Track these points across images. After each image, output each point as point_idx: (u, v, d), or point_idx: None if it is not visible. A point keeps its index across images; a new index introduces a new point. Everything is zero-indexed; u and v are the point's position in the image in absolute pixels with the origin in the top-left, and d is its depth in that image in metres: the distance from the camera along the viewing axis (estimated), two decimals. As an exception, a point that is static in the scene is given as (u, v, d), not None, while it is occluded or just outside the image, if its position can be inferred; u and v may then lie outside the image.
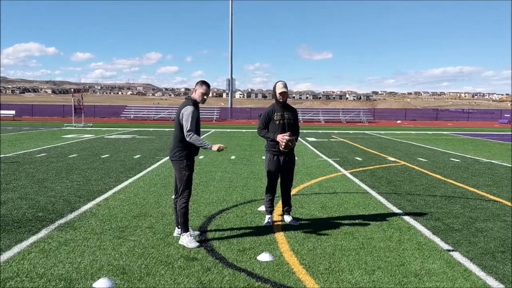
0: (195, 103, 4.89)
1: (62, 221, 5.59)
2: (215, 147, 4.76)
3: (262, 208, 6.23)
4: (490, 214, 6.31)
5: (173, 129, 5.00)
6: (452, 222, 5.87)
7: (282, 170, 5.62)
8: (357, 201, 7.09)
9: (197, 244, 4.70)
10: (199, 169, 10.11)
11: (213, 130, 26.20)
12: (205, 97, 4.93)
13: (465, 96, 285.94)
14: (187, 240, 4.72)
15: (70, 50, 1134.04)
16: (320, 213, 6.25)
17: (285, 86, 5.51)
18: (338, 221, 5.85)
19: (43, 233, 5.06)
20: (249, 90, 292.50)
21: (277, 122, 5.48)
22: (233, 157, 12.66)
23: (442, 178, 9.49)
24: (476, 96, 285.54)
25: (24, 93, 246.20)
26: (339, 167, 10.94)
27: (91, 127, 28.61)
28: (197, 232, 5.13)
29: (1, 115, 38.95)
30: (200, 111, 5.01)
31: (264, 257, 4.36)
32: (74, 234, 5.05)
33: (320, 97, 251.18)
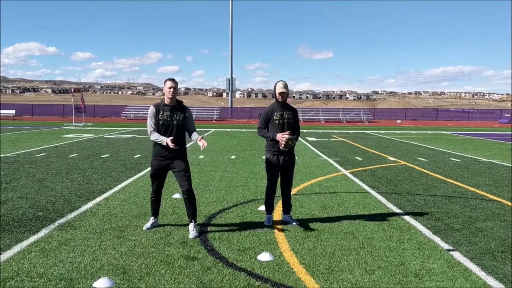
0: (158, 103, 5.15)
1: (62, 220, 5.60)
2: (168, 141, 4.91)
3: (262, 207, 6.23)
4: (490, 214, 6.31)
5: None
6: (452, 221, 5.87)
7: (282, 169, 5.62)
8: (357, 200, 7.09)
9: (148, 226, 5.28)
10: (199, 169, 10.11)
11: (213, 129, 26.19)
12: (170, 90, 5.02)
13: (465, 96, 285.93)
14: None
15: (71, 50, 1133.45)
16: (320, 213, 6.25)
17: (285, 86, 5.51)
18: (338, 220, 5.85)
19: (43, 232, 5.07)
20: (249, 89, 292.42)
21: (277, 121, 5.48)
22: (233, 157, 12.66)
23: (442, 177, 9.49)
24: (476, 96, 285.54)
25: (24, 92, 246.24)
26: (339, 167, 10.94)
27: (91, 126, 28.62)
28: (150, 223, 5.37)
29: (1, 114, 38.96)
30: (168, 108, 5.07)
31: (264, 256, 4.36)
32: (74, 234, 5.05)
33: (320, 97, 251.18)
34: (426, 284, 3.83)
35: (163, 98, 5.15)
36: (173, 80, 5.11)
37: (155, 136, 5.06)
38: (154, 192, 5.36)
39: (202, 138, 5.11)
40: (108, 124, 33.37)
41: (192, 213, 5.14)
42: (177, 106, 5.14)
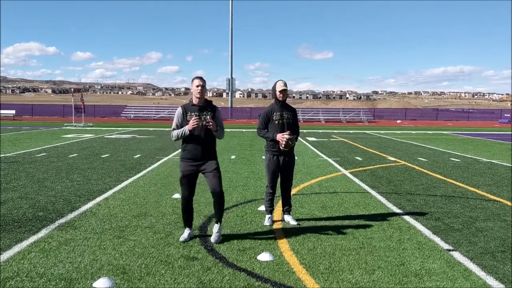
0: (186, 104, 4.91)
1: (62, 220, 5.59)
2: (190, 126, 4.65)
3: (262, 207, 6.24)
4: (490, 214, 6.31)
5: None
6: (452, 221, 5.87)
7: (282, 170, 5.62)
8: (357, 200, 7.09)
9: (185, 237, 4.90)
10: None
11: (213, 129, 26.01)
12: (198, 88, 4.74)
13: (465, 96, 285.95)
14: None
15: (71, 50, 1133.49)
16: (320, 213, 6.25)
17: (285, 84, 5.52)
18: (338, 221, 5.85)
19: (43, 232, 5.07)
20: (249, 89, 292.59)
21: (277, 122, 5.49)
22: (233, 157, 12.65)
23: (442, 177, 9.49)
24: (476, 96, 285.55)
25: (24, 92, 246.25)
26: (339, 167, 10.94)
27: (91, 126, 28.62)
28: (185, 235, 4.93)
29: (1, 114, 38.96)
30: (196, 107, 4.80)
31: (264, 256, 4.36)
32: (74, 234, 5.05)
33: (320, 97, 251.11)
34: (426, 284, 3.83)
35: (191, 98, 4.87)
36: (200, 78, 4.80)
37: (176, 133, 4.77)
38: (185, 200, 4.93)
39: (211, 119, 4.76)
40: (108, 124, 33.36)
41: (219, 215, 4.87)
42: (205, 106, 4.83)
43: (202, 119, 4.73)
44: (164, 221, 5.65)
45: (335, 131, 27.95)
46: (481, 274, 4.06)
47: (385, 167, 11.01)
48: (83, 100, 30.60)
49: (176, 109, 5.06)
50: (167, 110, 46.07)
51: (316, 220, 5.86)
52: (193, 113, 4.75)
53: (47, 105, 59.34)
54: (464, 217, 6.12)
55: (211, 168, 4.85)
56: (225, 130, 5.15)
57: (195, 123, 4.64)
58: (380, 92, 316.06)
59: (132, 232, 5.16)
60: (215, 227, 4.88)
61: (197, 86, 4.76)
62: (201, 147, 4.81)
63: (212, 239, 4.83)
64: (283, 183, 5.74)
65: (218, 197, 4.83)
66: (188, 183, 4.90)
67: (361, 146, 16.83)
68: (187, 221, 4.98)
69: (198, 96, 4.76)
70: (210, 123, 4.68)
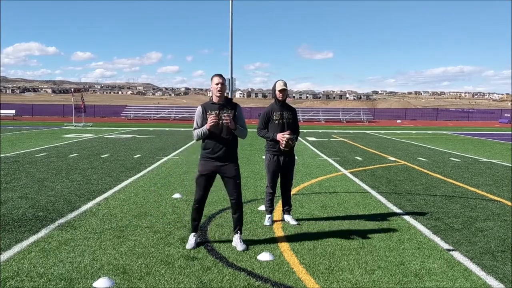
0: (205, 103, 4.74)
1: (62, 220, 5.60)
2: (208, 125, 4.50)
3: (262, 207, 6.24)
4: (490, 214, 6.31)
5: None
6: (452, 221, 5.87)
7: (282, 170, 5.62)
8: (357, 200, 7.09)
9: (192, 244, 4.66)
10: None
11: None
12: (218, 86, 4.55)
13: (465, 95, 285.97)
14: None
15: (71, 50, 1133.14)
16: (320, 213, 6.25)
17: (285, 84, 5.53)
18: (338, 220, 5.85)
19: (43, 232, 5.07)
20: (249, 89, 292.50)
21: (277, 121, 5.49)
22: (233, 157, 12.64)
23: (442, 177, 9.49)
24: (476, 96, 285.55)
25: (24, 92, 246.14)
26: (339, 167, 10.94)
27: (91, 126, 28.63)
28: (192, 242, 4.71)
29: (1, 114, 38.96)
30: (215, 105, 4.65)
31: (264, 256, 4.36)
32: (74, 234, 5.05)
33: (320, 97, 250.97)
34: (426, 284, 3.83)
35: (211, 97, 4.69)
36: (220, 75, 4.62)
37: (197, 132, 4.63)
38: (197, 202, 4.76)
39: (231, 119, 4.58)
40: (108, 124, 33.37)
41: (239, 225, 4.76)
42: (226, 104, 4.64)
43: (222, 118, 4.55)
44: (164, 221, 5.65)
45: (335, 131, 27.96)
46: (481, 274, 4.06)
47: (385, 167, 11.01)
48: (83, 100, 30.61)
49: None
50: (167, 110, 46.04)
51: (316, 220, 5.86)
52: (213, 112, 4.58)
53: (47, 105, 59.40)
54: (464, 217, 6.13)
55: (231, 174, 4.73)
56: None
57: (213, 121, 4.51)
58: (380, 92, 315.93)
59: (132, 232, 5.16)
60: (237, 237, 4.73)
61: (217, 84, 4.58)
62: (221, 146, 4.62)
63: (240, 248, 4.61)
64: (283, 183, 5.74)
65: (237, 204, 4.77)
66: (205, 184, 4.74)
67: (361, 146, 16.83)
68: (195, 224, 4.79)
69: (218, 94, 4.58)
70: (227, 120, 4.50)
